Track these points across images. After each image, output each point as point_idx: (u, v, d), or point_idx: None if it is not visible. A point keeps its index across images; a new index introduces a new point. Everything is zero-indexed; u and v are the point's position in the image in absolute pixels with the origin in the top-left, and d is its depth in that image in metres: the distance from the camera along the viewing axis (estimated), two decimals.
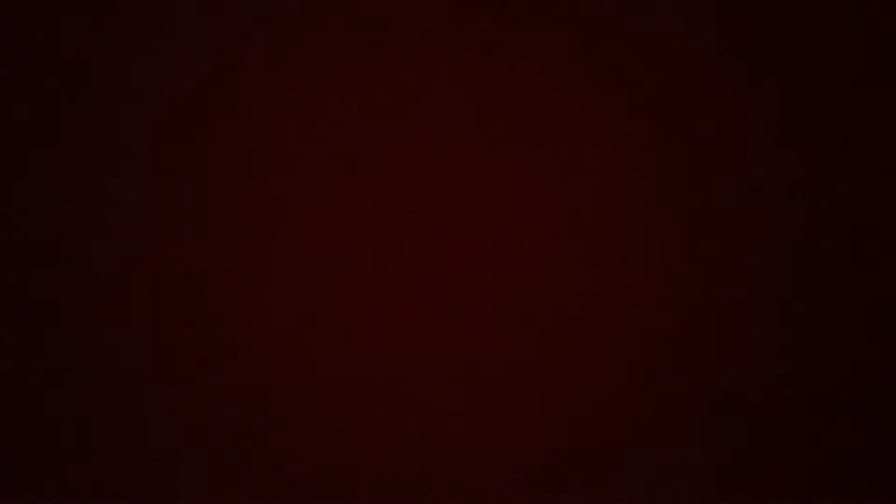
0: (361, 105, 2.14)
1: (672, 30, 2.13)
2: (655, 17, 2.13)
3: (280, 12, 2.14)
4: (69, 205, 2.13)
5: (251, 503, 2.11)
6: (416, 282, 2.12)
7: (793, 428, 2.09)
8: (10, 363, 2.11)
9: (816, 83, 2.13)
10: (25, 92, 2.14)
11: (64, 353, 2.12)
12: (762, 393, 2.10)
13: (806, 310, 2.11)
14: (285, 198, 2.13)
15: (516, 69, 2.14)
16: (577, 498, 2.10)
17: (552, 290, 2.11)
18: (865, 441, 2.09)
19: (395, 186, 2.14)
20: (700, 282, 2.11)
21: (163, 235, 2.13)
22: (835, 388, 2.10)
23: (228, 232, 2.13)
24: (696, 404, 2.10)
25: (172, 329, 2.12)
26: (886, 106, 2.12)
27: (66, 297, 2.12)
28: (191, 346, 2.12)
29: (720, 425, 2.09)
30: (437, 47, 2.14)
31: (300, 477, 2.11)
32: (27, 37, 2.14)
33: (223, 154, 2.14)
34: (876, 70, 2.13)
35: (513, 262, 2.12)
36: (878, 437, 2.08)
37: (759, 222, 2.11)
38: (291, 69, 2.14)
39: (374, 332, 2.12)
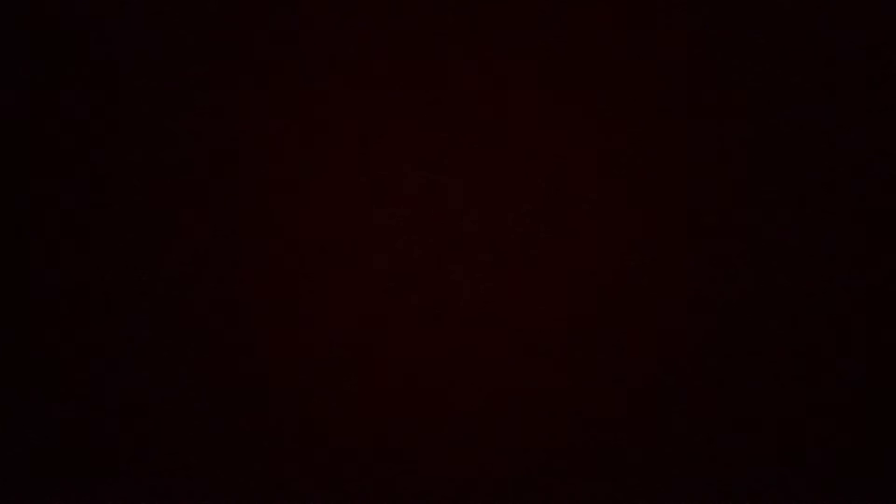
0: (361, 103, 2.14)
1: (674, 28, 2.13)
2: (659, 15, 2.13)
3: (284, 8, 2.15)
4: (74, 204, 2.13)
5: (251, 502, 2.11)
6: (416, 281, 2.12)
7: (795, 427, 2.10)
8: (16, 362, 2.12)
9: (819, 82, 2.13)
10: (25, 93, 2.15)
11: (62, 352, 2.12)
12: (763, 392, 2.10)
13: (808, 308, 2.11)
14: (285, 194, 2.13)
15: (518, 66, 2.14)
16: (578, 498, 2.10)
17: (556, 287, 2.12)
18: (865, 441, 2.09)
19: (395, 183, 2.14)
20: (701, 280, 2.11)
21: (162, 233, 2.13)
22: (836, 388, 2.10)
23: (228, 230, 2.13)
24: (697, 403, 2.10)
25: (172, 329, 2.12)
26: (887, 104, 2.12)
27: (66, 294, 2.12)
28: (190, 346, 2.12)
29: (722, 424, 2.09)
30: (441, 47, 2.14)
31: (300, 477, 2.11)
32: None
33: (223, 152, 2.14)
34: (876, 69, 2.13)
35: (513, 262, 2.12)
36: (878, 437, 2.09)
37: (760, 221, 2.12)
38: (292, 65, 2.14)
39: (373, 331, 2.12)
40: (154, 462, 2.11)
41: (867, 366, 2.10)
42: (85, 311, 2.12)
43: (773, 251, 2.11)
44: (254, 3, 2.15)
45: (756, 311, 2.10)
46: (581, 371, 2.11)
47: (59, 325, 2.12)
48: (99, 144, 2.14)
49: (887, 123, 2.12)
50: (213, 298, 2.12)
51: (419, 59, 2.14)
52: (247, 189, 2.13)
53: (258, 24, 2.14)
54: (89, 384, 2.12)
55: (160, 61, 2.14)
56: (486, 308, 2.12)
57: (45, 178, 2.13)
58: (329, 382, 2.12)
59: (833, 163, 2.12)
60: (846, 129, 2.12)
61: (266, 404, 2.11)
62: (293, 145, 2.14)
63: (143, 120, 2.14)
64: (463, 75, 2.14)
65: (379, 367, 2.11)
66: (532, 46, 2.13)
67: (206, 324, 2.12)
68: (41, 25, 2.14)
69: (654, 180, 2.12)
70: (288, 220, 2.13)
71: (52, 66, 2.13)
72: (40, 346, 2.12)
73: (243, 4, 2.15)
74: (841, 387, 2.10)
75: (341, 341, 2.12)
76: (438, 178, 2.13)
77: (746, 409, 2.10)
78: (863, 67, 2.12)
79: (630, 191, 2.12)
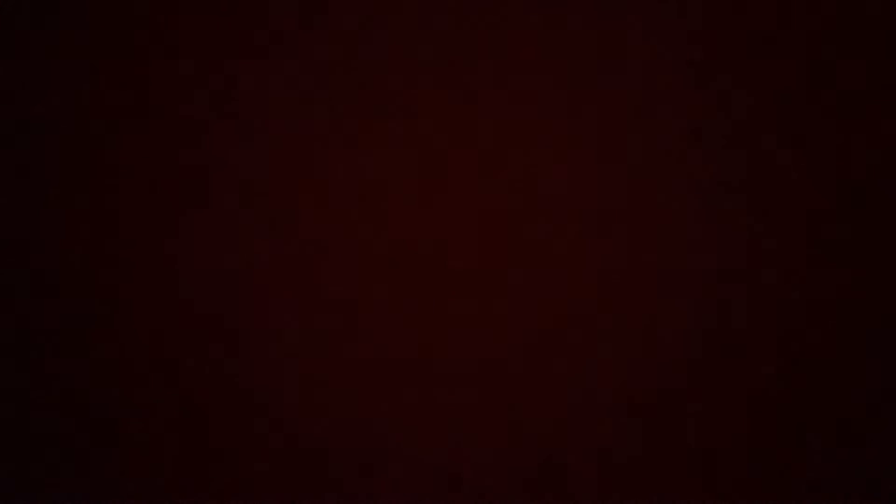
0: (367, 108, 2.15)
1: (667, 29, 2.13)
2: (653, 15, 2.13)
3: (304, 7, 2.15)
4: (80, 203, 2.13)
5: (253, 502, 2.11)
6: (420, 285, 2.12)
7: (793, 428, 2.09)
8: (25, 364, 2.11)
9: (816, 81, 2.13)
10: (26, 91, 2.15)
11: (67, 351, 2.12)
12: (764, 393, 2.10)
13: (808, 309, 2.10)
14: (282, 194, 2.13)
15: (521, 69, 2.14)
16: (578, 498, 2.10)
17: (556, 288, 2.12)
18: (864, 441, 2.09)
19: (393, 183, 2.14)
20: (702, 280, 2.11)
21: (168, 230, 2.13)
22: (835, 389, 2.10)
23: (235, 230, 2.13)
24: (697, 404, 2.10)
25: (176, 329, 2.12)
26: (886, 104, 2.12)
27: (69, 293, 2.12)
28: (194, 345, 2.12)
29: (720, 425, 2.09)
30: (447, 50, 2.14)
31: (305, 477, 2.11)
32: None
33: (229, 151, 2.14)
34: (875, 68, 2.13)
35: (512, 264, 2.12)
36: (876, 438, 2.09)
37: (759, 221, 2.12)
38: (291, 66, 2.15)
39: (375, 334, 2.12)
40: (150, 462, 2.11)
41: (866, 366, 2.09)
42: (85, 311, 2.12)
43: (772, 251, 2.11)
44: (255, 4, 2.15)
45: (756, 311, 2.11)
46: (581, 371, 2.11)
47: (59, 324, 2.12)
48: (107, 141, 2.14)
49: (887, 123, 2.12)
50: (208, 299, 2.12)
51: (417, 61, 2.14)
52: (245, 188, 2.13)
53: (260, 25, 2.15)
54: (90, 384, 2.12)
55: (160, 60, 2.14)
56: (486, 308, 2.12)
57: (46, 176, 2.13)
58: (326, 382, 2.12)
59: (832, 162, 2.12)
60: (845, 128, 2.12)
61: (261, 406, 2.11)
62: (292, 146, 2.14)
63: (145, 117, 2.14)
64: (463, 76, 2.14)
65: (378, 367, 2.11)
66: (532, 46, 2.14)
67: (205, 323, 2.12)
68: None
69: (655, 180, 2.12)
70: (284, 222, 2.13)
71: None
72: (41, 345, 2.12)
73: (244, 5, 2.15)
74: (839, 387, 2.10)
75: (339, 343, 2.12)
76: (436, 178, 2.13)
77: (745, 409, 2.10)
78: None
79: (630, 191, 2.12)
